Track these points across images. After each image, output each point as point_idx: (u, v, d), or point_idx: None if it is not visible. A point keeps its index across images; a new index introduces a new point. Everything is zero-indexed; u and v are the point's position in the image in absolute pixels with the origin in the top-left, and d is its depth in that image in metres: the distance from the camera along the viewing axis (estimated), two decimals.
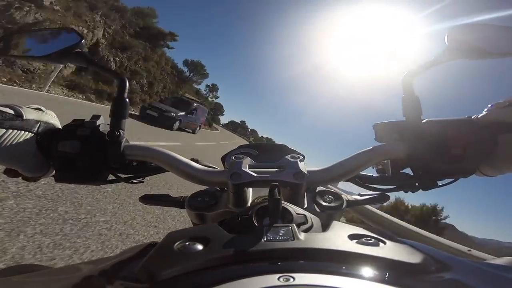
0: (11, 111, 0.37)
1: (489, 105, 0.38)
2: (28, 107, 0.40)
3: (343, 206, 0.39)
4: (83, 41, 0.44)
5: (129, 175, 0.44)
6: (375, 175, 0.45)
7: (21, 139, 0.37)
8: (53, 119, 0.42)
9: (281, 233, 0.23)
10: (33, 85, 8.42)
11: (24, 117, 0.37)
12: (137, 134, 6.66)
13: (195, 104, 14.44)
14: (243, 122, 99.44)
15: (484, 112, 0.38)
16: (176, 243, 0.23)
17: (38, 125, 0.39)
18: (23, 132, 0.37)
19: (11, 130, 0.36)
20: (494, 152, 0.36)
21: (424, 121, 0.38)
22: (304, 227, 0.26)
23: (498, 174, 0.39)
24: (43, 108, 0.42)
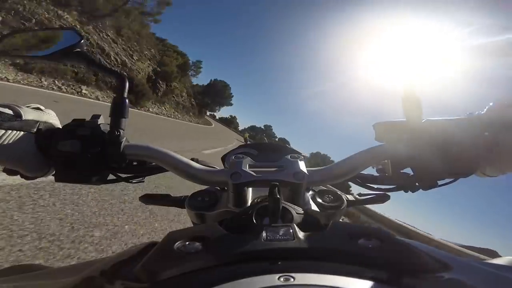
0: (10, 112, 0.37)
1: (490, 104, 0.38)
2: (27, 107, 0.40)
3: (343, 206, 0.39)
4: (82, 41, 0.44)
5: (130, 175, 0.44)
6: (375, 175, 0.45)
7: (20, 140, 0.36)
8: (53, 119, 0.42)
9: (281, 233, 0.23)
10: None
11: (23, 117, 0.37)
12: None
13: None
14: (268, 127, 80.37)
15: (484, 111, 0.38)
16: (176, 243, 0.23)
17: (38, 125, 0.39)
18: (22, 132, 0.37)
19: (10, 131, 0.36)
20: (494, 152, 0.36)
21: (424, 120, 0.38)
22: (303, 226, 0.26)
23: (499, 174, 0.39)
24: (42, 107, 0.42)
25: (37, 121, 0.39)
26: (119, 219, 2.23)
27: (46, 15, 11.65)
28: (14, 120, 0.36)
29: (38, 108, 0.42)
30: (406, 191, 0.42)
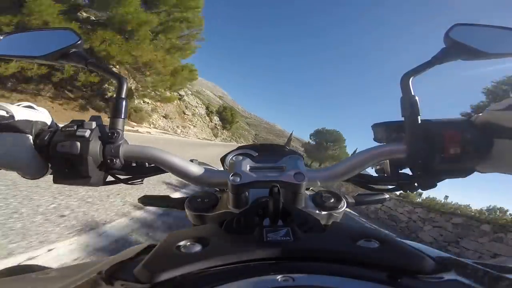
0: (4, 113, 0.36)
1: (490, 106, 0.38)
2: (18, 105, 0.39)
3: (343, 207, 0.39)
4: (80, 41, 0.44)
5: (128, 176, 0.44)
6: (375, 175, 0.46)
7: (17, 142, 0.36)
8: (46, 117, 0.41)
9: (281, 234, 0.23)
10: None
11: (16, 118, 0.36)
12: None
13: None
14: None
15: (482, 113, 0.38)
16: (176, 244, 0.23)
17: (32, 125, 0.38)
18: (17, 134, 0.36)
19: (6, 133, 0.35)
20: (489, 154, 0.36)
21: (422, 121, 0.39)
22: (304, 227, 0.26)
23: (496, 172, 0.39)
24: (34, 106, 0.41)
25: (31, 121, 0.38)
26: None
27: None
28: (7, 121, 0.35)
29: (30, 107, 0.40)
30: (405, 191, 0.43)
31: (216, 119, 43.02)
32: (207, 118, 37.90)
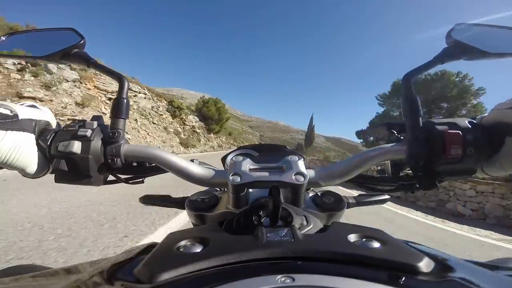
0: (7, 111, 0.36)
1: (495, 105, 0.37)
2: (22, 105, 0.39)
3: (343, 207, 0.39)
4: (83, 41, 0.44)
5: (129, 176, 0.44)
6: (376, 175, 0.45)
7: (20, 141, 0.36)
8: (49, 117, 0.41)
9: (281, 234, 0.23)
10: None
11: (20, 117, 0.37)
12: None
13: None
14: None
15: (488, 113, 0.38)
16: (177, 244, 0.23)
17: (35, 124, 0.38)
18: (21, 133, 0.36)
19: (10, 132, 0.35)
20: (499, 153, 0.35)
21: (423, 121, 0.38)
22: (304, 228, 0.26)
23: (500, 173, 0.38)
24: (38, 105, 0.41)
25: (34, 120, 0.38)
26: None
27: None
28: (11, 120, 0.36)
29: (33, 106, 0.41)
30: (406, 192, 0.43)
31: (193, 119, 29.38)
32: (169, 117, 23.46)
